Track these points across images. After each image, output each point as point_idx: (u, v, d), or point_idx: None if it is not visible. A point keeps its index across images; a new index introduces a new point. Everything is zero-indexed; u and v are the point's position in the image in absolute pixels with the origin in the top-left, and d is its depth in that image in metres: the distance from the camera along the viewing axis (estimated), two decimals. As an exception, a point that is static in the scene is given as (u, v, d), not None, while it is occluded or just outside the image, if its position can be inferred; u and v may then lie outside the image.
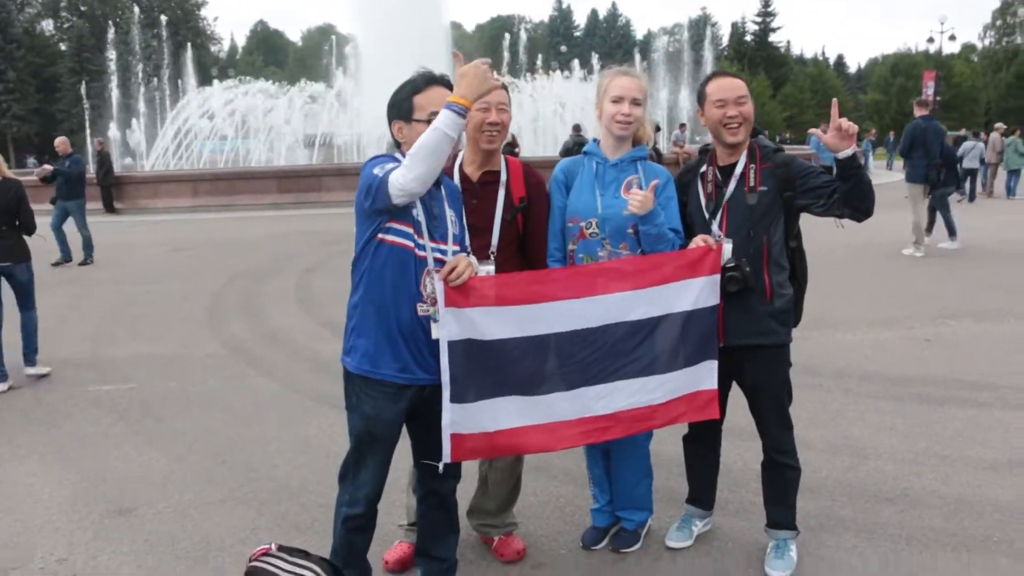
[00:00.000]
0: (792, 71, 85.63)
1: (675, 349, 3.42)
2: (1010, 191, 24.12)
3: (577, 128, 21.64)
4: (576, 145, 19.48)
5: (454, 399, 3.09)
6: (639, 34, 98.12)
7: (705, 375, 3.50)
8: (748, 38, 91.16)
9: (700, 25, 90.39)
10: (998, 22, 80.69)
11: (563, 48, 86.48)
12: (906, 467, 4.74)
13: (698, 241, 3.44)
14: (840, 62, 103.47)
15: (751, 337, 3.54)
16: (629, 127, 3.53)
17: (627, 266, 3.39)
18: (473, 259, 3.14)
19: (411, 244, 2.99)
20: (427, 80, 3.07)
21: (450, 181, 3.33)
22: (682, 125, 29.66)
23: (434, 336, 3.04)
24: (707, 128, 3.64)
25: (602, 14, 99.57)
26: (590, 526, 3.98)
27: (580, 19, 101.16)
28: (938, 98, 54.82)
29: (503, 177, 3.57)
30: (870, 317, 8.54)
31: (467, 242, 3.25)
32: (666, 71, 55.58)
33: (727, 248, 3.46)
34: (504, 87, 3.47)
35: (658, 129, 29.76)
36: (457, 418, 3.11)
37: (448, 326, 3.03)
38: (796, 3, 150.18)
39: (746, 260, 3.46)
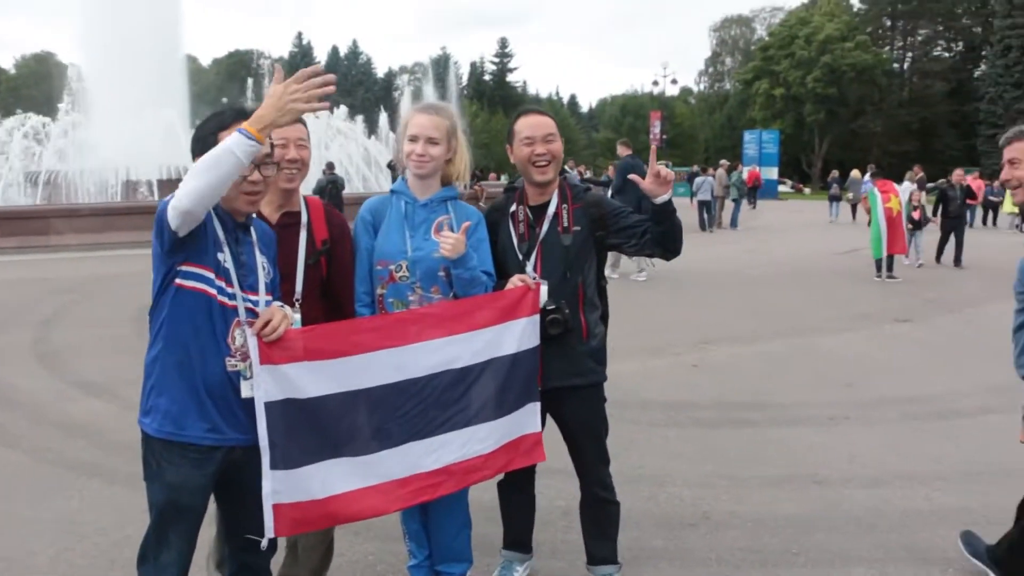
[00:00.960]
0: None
1: (501, 394, 3.30)
2: (734, 222, 26.52)
3: (330, 166, 21.18)
4: (330, 183, 19.07)
5: (275, 466, 2.78)
6: (380, 72, 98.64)
7: (529, 418, 3.41)
8: (487, 78, 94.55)
9: (441, 64, 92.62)
10: (710, 69, 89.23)
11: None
12: (701, 491, 4.91)
13: (515, 281, 3.35)
14: (573, 102, 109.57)
15: (570, 378, 3.50)
16: (425, 166, 3.37)
17: (449, 311, 3.24)
18: (288, 309, 2.88)
19: (213, 291, 2.67)
20: (235, 115, 2.74)
21: (263, 224, 3.03)
22: None
23: (244, 395, 2.73)
24: (516, 166, 3.58)
25: (343, 51, 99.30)
26: (409, 583, 3.75)
27: (321, 55, 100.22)
28: (664, 136, 59.52)
29: (304, 218, 3.31)
30: (637, 346, 8.89)
31: (279, 291, 2.97)
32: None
33: (544, 289, 3.40)
34: (302, 121, 3.23)
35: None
36: (279, 487, 2.80)
37: (264, 386, 2.73)
38: (531, 45, 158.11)
39: (564, 301, 3.42)
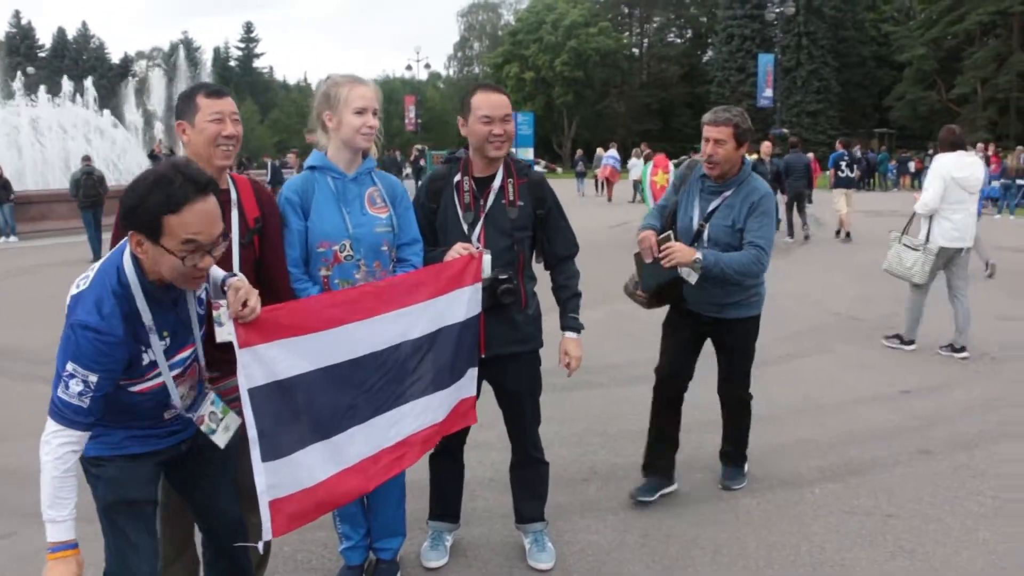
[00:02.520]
0: (278, 96, 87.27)
1: (451, 363, 3.38)
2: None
3: (86, 159, 19.56)
4: (85, 175, 17.56)
5: (266, 457, 2.68)
6: (115, 57, 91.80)
7: (467, 383, 3.52)
8: (232, 63, 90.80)
9: (183, 49, 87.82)
10: (459, 54, 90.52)
11: (30, 70, 77.58)
12: (578, 448, 5.24)
13: (459, 249, 3.41)
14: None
15: (513, 345, 3.65)
16: (372, 138, 3.37)
17: (403, 282, 3.25)
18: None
19: (144, 386, 2.51)
20: (187, 194, 2.34)
21: None
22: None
23: (221, 444, 2.70)
24: (469, 140, 3.63)
25: (71, 33, 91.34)
26: (343, 566, 3.73)
27: (45, 37, 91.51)
28: (419, 120, 60.07)
29: (233, 196, 3.15)
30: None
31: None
32: (154, 94, 53.08)
33: (487, 259, 3.50)
34: (230, 93, 3.13)
35: (171, 152, 28.04)
36: (274, 480, 2.70)
37: (246, 370, 2.63)
38: (277, 30, 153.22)
39: (512, 272, 3.55)
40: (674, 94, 67.60)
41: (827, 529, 4.10)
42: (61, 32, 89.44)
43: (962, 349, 7.49)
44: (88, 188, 16.98)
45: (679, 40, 73.89)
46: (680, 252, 4.05)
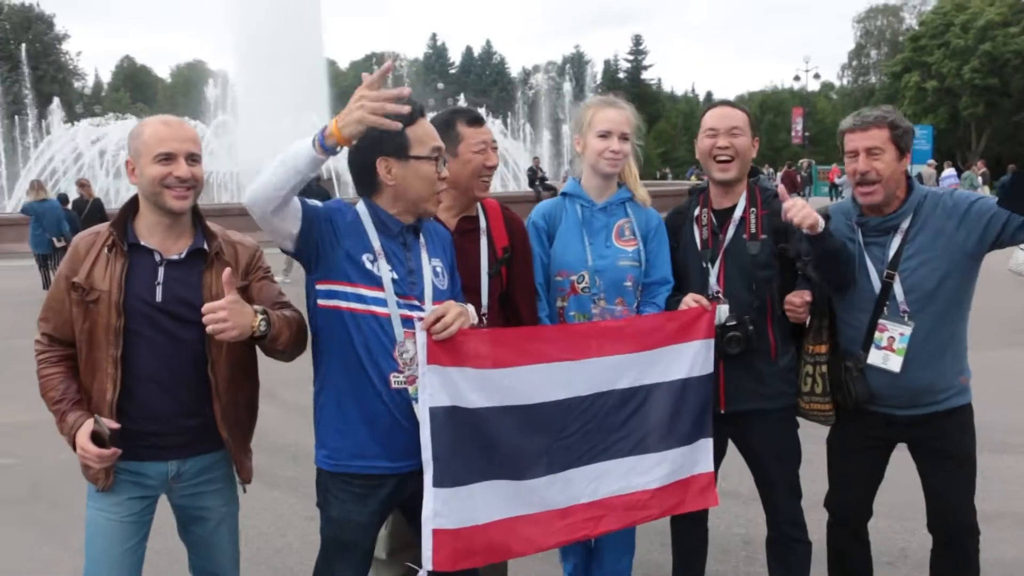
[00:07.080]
0: (664, 108, 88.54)
1: (669, 424, 2.97)
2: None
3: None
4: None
5: (438, 483, 2.50)
6: (514, 71, 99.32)
7: (701, 456, 3.06)
8: (621, 75, 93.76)
9: (575, 63, 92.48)
10: (854, 63, 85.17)
11: (440, 85, 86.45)
12: (894, 522, 4.40)
13: (689, 301, 3.01)
14: (709, 99, 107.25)
15: (757, 401, 3.16)
16: (619, 163, 3.13)
17: (624, 328, 2.94)
18: (470, 308, 2.63)
19: (356, 305, 2.46)
20: (420, 110, 2.52)
21: (437, 225, 2.78)
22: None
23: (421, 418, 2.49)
24: (700, 161, 3.26)
25: (477, 51, 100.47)
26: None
27: (455, 56, 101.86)
28: (807, 133, 57.41)
29: (483, 224, 3.04)
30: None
31: (462, 299, 2.71)
32: (545, 107, 56.38)
33: (723, 309, 3.07)
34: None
35: (537, 174, 28.63)
36: (442, 508, 2.52)
37: (430, 388, 2.47)
38: (666, 42, 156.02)
39: (749, 317, 3.06)
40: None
41: None
42: (468, 51, 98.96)
43: None
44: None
45: None
46: None
